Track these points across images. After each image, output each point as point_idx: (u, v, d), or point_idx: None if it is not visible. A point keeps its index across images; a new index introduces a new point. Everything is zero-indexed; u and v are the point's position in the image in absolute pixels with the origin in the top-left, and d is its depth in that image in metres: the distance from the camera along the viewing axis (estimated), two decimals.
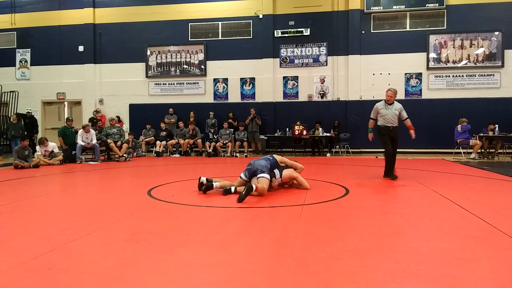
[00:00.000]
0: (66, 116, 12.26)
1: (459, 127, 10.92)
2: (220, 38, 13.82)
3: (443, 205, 4.41)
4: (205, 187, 5.13)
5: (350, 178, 6.68)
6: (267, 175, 4.96)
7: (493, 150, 11.15)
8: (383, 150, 6.78)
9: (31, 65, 14.83)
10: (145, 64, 14.16)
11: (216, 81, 13.86)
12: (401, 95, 12.85)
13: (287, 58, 13.43)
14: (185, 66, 14.02)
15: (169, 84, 14.12)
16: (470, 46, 12.53)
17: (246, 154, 11.88)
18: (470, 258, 2.61)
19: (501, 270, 2.40)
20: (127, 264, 2.53)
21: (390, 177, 6.44)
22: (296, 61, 13.39)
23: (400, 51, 12.77)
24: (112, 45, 14.30)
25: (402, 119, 6.63)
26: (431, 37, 12.67)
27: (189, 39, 13.94)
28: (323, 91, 13.30)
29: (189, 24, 13.91)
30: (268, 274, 2.35)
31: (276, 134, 12.71)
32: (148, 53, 14.13)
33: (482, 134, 10.87)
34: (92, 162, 9.89)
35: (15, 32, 14.87)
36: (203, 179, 5.22)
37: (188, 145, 12.08)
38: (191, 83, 14.02)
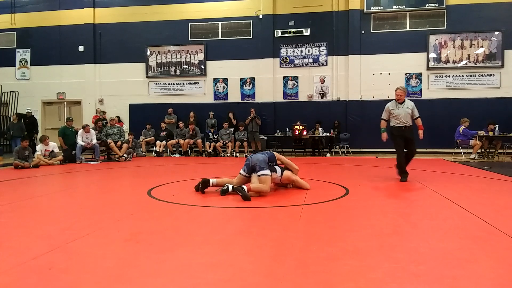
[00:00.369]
0: (66, 116, 12.24)
1: (461, 129, 10.88)
2: (220, 38, 13.81)
3: (443, 205, 4.41)
4: (202, 184, 5.08)
5: (350, 178, 6.68)
6: (267, 171, 4.96)
7: (493, 150, 11.15)
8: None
9: (31, 65, 14.83)
10: (145, 64, 14.16)
11: (216, 81, 13.86)
12: None
13: (287, 58, 13.43)
14: (185, 66, 14.02)
15: (169, 84, 14.12)
16: (470, 46, 12.53)
17: (246, 154, 11.87)
18: (470, 258, 2.61)
19: (501, 270, 2.40)
20: (127, 264, 2.53)
21: (401, 179, 6.31)
22: (296, 61, 13.39)
23: (400, 51, 12.77)
24: (112, 45, 14.30)
25: (413, 118, 6.45)
26: (431, 37, 12.67)
27: (189, 39, 13.94)
28: (323, 91, 13.30)
29: (189, 24, 13.91)
30: (268, 274, 2.35)
31: (276, 134, 12.71)
32: (148, 53, 14.13)
33: (483, 134, 10.84)
34: (92, 162, 9.89)
35: (15, 32, 14.87)
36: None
37: (188, 145, 12.08)
38: (191, 83, 14.02)
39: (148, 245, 2.94)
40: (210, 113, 13.20)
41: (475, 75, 12.52)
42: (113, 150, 10.79)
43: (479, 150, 10.85)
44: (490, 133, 10.87)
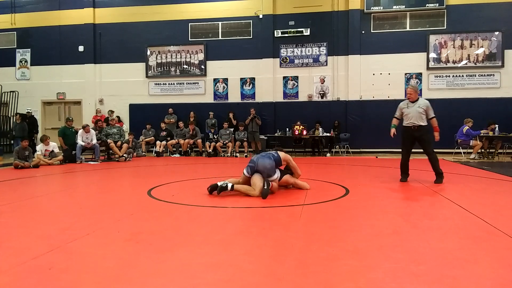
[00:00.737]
0: (66, 116, 12.24)
1: (464, 129, 10.85)
2: (220, 38, 13.82)
3: (443, 205, 4.41)
4: (219, 189, 4.95)
5: (350, 178, 6.69)
6: (275, 176, 5.04)
7: (493, 150, 11.15)
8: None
9: (31, 65, 14.83)
10: (145, 64, 14.16)
11: (216, 81, 13.86)
12: (401, 95, 12.85)
13: (287, 58, 13.43)
14: (185, 66, 14.02)
15: (169, 84, 14.12)
16: (470, 46, 12.53)
17: (246, 154, 11.88)
18: (470, 258, 2.61)
19: (501, 270, 2.40)
20: (127, 264, 2.53)
21: (401, 179, 6.24)
22: (296, 61, 13.39)
23: (400, 51, 12.77)
24: (112, 45, 14.30)
25: (428, 118, 6.11)
26: (431, 37, 12.67)
27: (189, 39, 13.94)
28: (323, 91, 13.30)
29: (189, 24, 13.91)
30: (268, 274, 2.35)
31: (276, 134, 12.71)
32: (148, 53, 14.13)
33: (487, 134, 10.83)
34: (92, 162, 9.89)
35: (15, 32, 14.87)
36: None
37: (188, 145, 12.08)
38: (191, 83, 14.02)
39: (148, 245, 2.94)
40: (210, 113, 13.20)
41: (475, 75, 12.52)
42: (113, 150, 10.79)
43: (479, 150, 10.85)
44: (490, 133, 10.87)
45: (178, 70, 14.07)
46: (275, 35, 13.29)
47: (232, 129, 12.43)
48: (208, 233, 3.28)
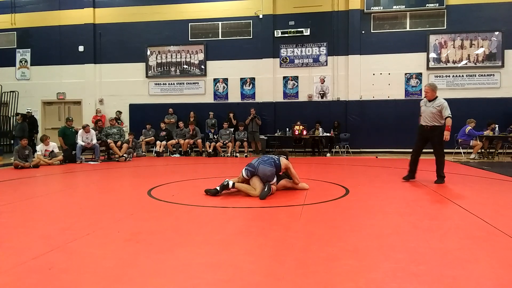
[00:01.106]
0: (66, 116, 12.24)
1: (467, 129, 10.83)
2: (220, 38, 13.81)
3: (443, 205, 4.41)
4: (221, 187, 4.96)
5: (350, 178, 6.69)
6: (274, 181, 5.05)
7: (493, 150, 11.15)
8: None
9: (31, 65, 14.82)
10: (145, 64, 14.16)
11: (216, 81, 13.86)
12: (401, 95, 12.90)
13: (287, 58, 13.43)
14: (185, 66, 14.02)
15: (169, 84, 14.12)
16: (470, 46, 12.53)
17: (246, 154, 11.88)
18: (470, 258, 2.61)
19: (501, 270, 2.40)
20: (127, 264, 2.53)
21: (404, 177, 6.18)
22: (296, 61, 13.39)
23: (400, 51, 12.77)
24: (112, 45, 14.30)
25: (443, 118, 5.95)
26: (431, 37, 12.67)
27: (189, 39, 13.94)
28: (323, 91, 13.30)
29: (189, 24, 13.91)
30: (268, 274, 2.35)
31: (276, 134, 12.70)
32: (148, 53, 14.13)
33: (485, 134, 10.83)
34: (92, 162, 9.89)
35: (15, 32, 14.86)
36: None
37: (188, 145, 12.08)
38: (191, 83, 14.02)
39: (148, 245, 2.94)
40: (210, 113, 13.20)
41: (475, 75, 12.52)
42: (113, 150, 10.79)
43: (479, 150, 10.85)
44: (490, 133, 10.87)
45: (178, 70, 14.07)
46: (275, 35, 13.29)
47: (232, 129, 12.42)
48: (208, 233, 3.28)
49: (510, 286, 2.19)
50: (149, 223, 3.67)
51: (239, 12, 13.61)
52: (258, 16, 13.40)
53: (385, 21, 12.96)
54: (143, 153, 12.09)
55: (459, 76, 12.61)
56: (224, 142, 11.96)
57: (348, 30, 12.96)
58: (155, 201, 4.71)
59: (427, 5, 12.54)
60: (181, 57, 14.03)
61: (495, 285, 2.19)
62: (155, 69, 14.15)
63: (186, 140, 12.00)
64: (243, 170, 5.13)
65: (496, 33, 12.32)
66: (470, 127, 10.80)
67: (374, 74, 12.94)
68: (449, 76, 12.64)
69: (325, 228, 3.41)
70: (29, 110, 13.25)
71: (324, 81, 13.25)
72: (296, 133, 12.00)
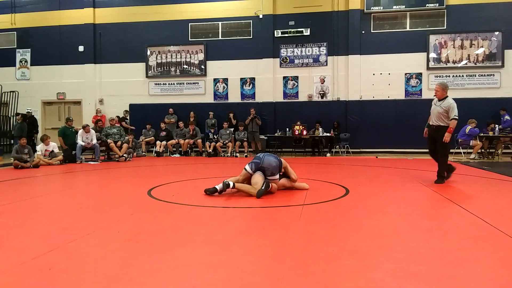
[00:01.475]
0: (66, 116, 12.25)
1: (467, 129, 10.84)
2: (220, 38, 13.81)
3: (443, 205, 4.41)
4: (222, 187, 4.95)
5: (350, 178, 6.68)
6: (277, 176, 5.08)
7: (493, 150, 11.15)
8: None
9: (31, 65, 14.82)
10: (145, 64, 14.15)
11: (216, 81, 13.86)
12: (401, 95, 12.89)
13: (287, 58, 13.43)
14: (185, 66, 14.02)
15: (169, 84, 14.12)
16: (470, 46, 12.53)
17: (246, 154, 11.88)
18: (470, 258, 2.61)
19: (501, 270, 2.40)
20: (127, 264, 2.53)
21: (437, 180, 5.95)
22: (296, 61, 13.39)
23: (400, 51, 12.77)
24: (112, 45, 14.29)
25: (450, 119, 5.85)
26: (431, 37, 12.67)
27: (189, 39, 13.94)
28: (323, 91, 13.30)
29: (189, 24, 13.90)
30: (268, 274, 2.35)
31: (276, 134, 12.70)
32: (148, 53, 14.13)
33: (482, 135, 10.83)
34: (92, 162, 9.89)
35: (15, 32, 14.86)
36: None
37: (188, 145, 12.08)
38: (191, 83, 14.02)
39: (148, 245, 2.94)
40: (210, 113, 13.19)
41: (475, 75, 12.52)
42: (113, 150, 10.79)
43: (479, 150, 10.85)
44: (490, 133, 10.87)
45: (178, 70, 14.07)
46: (275, 35, 13.29)
47: (232, 129, 12.42)
48: (208, 233, 3.28)
49: (510, 286, 2.19)
50: (149, 223, 3.67)
51: (239, 12, 13.61)
52: (258, 16, 13.40)
53: (385, 21, 12.96)
54: (143, 153, 12.09)
55: (459, 76, 12.61)
56: (224, 142, 11.96)
57: (348, 30, 12.95)
58: (155, 201, 4.71)
59: (427, 5, 12.53)
60: (181, 57, 14.03)
61: (495, 285, 2.19)
62: (155, 69, 14.15)
63: (186, 140, 12.00)
64: (247, 165, 5.10)
65: (496, 33, 12.31)
66: (470, 127, 10.80)
67: (374, 74, 12.94)
68: (449, 76, 12.64)
69: (325, 228, 3.41)
70: (29, 110, 13.25)
71: (324, 81, 13.25)
72: (296, 133, 12.00)
